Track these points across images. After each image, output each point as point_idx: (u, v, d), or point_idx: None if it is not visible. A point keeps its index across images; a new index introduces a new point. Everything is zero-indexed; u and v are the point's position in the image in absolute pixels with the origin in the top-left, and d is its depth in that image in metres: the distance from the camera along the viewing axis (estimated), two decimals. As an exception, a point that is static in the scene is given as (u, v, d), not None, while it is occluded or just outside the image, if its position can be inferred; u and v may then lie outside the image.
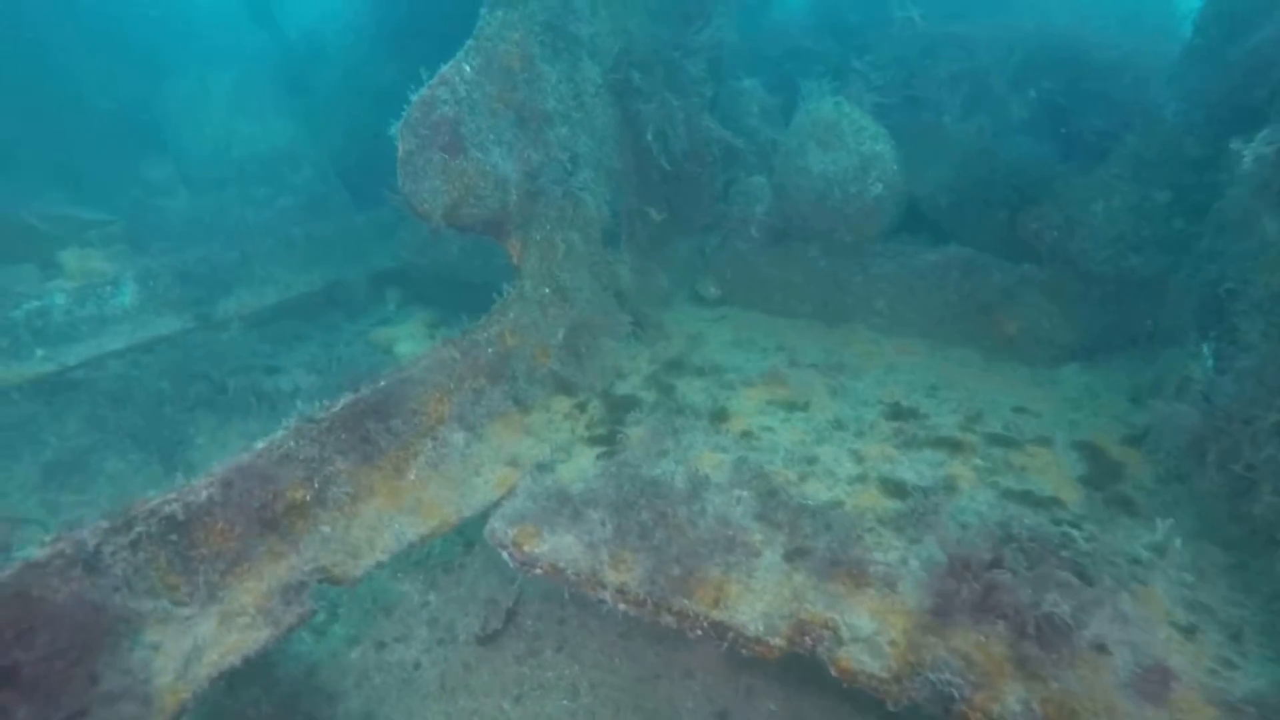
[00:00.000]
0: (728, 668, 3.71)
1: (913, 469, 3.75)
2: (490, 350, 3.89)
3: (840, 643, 2.68)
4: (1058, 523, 3.24)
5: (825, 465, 3.77)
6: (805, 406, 4.38)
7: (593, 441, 3.96)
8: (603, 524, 3.10)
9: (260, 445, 2.88)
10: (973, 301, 5.26)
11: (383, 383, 3.28)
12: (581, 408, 4.30)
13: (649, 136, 5.14)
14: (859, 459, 3.84)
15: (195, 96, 8.39)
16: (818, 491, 3.53)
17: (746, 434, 4.05)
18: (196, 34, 9.52)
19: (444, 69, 3.46)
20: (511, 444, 3.83)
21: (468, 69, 3.53)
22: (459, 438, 3.59)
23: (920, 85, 5.60)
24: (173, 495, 2.55)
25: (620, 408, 4.31)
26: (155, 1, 8.95)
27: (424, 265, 7.09)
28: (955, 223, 5.48)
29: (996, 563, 2.66)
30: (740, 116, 6.16)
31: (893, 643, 2.67)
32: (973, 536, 2.89)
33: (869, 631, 2.71)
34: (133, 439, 4.97)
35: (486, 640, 3.95)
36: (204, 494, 2.60)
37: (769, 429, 4.11)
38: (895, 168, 5.32)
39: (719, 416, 4.23)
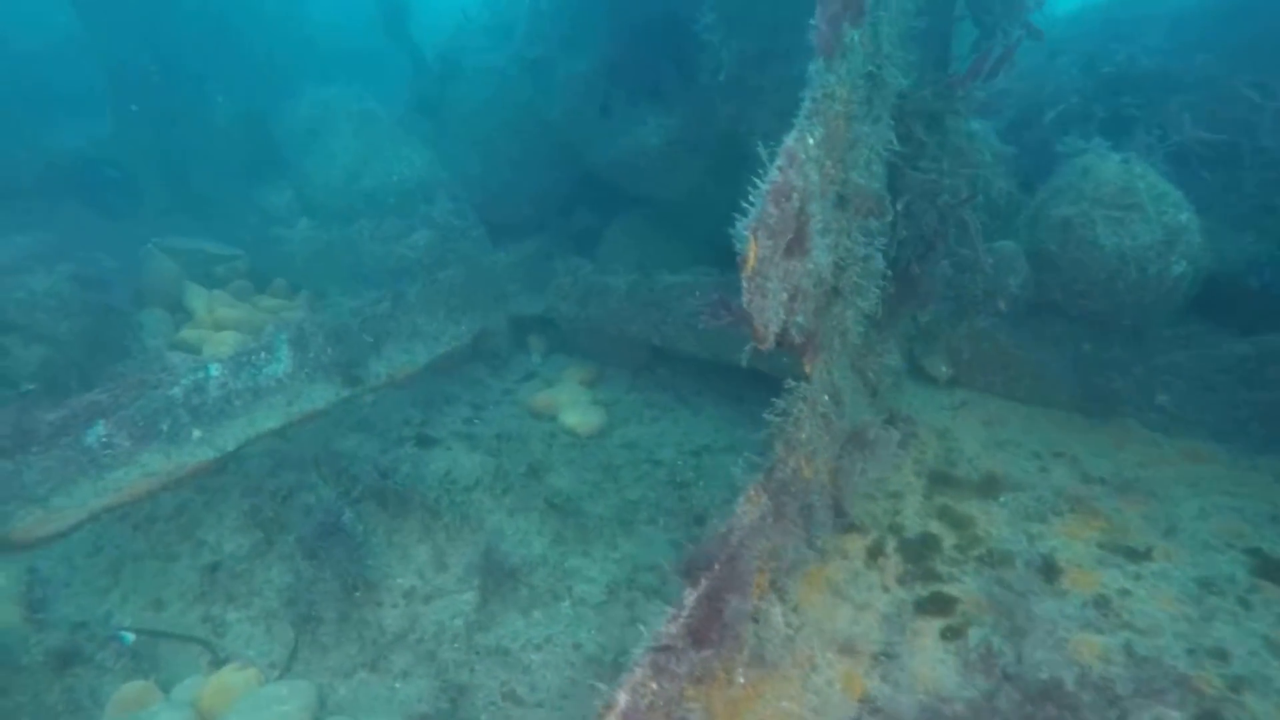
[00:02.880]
0: None
1: (1362, 675, 2.88)
2: (793, 489, 3.09)
3: None
4: None
5: (1244, 663, 2.91)
6: (1147, 553, 3.52)
7: (919, 609, 3.15)
8: (1035, 781, 2.29)
9: (622, 698, 2.09)
10: (1295, 405, 4.35)
11: (717, 566, 2.49)
12: (878, 550, 3.49)
13: (898, 207, 4.30)
14: None
15: (319, 117, 7.72)
16: (1270, 716, 2.68)
17: (1102, 600, 3.20)
18: (311, 43, 8.88)
19: (788, 142, 2.66)
20: (828, 614, 3.04)
21: (811, 142, 2.73)
22: (777, 613, 2.81)
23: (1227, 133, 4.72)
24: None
25: (921, 553, 3.49)
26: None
27: (584, 319, 6.34)
28: (1270, 307, 4.58)
29: None
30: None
31: None
32: None
33: None
34: (299, 543, 4.26)
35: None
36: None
37: (1126, 592, 3.26)
38: (1199, 240, 4.44)
39: (1050, 569, 3.39)
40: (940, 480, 4.12)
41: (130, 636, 3.98)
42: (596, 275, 6.27)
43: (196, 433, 4.40)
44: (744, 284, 2.50)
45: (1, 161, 7.12)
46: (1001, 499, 3.95)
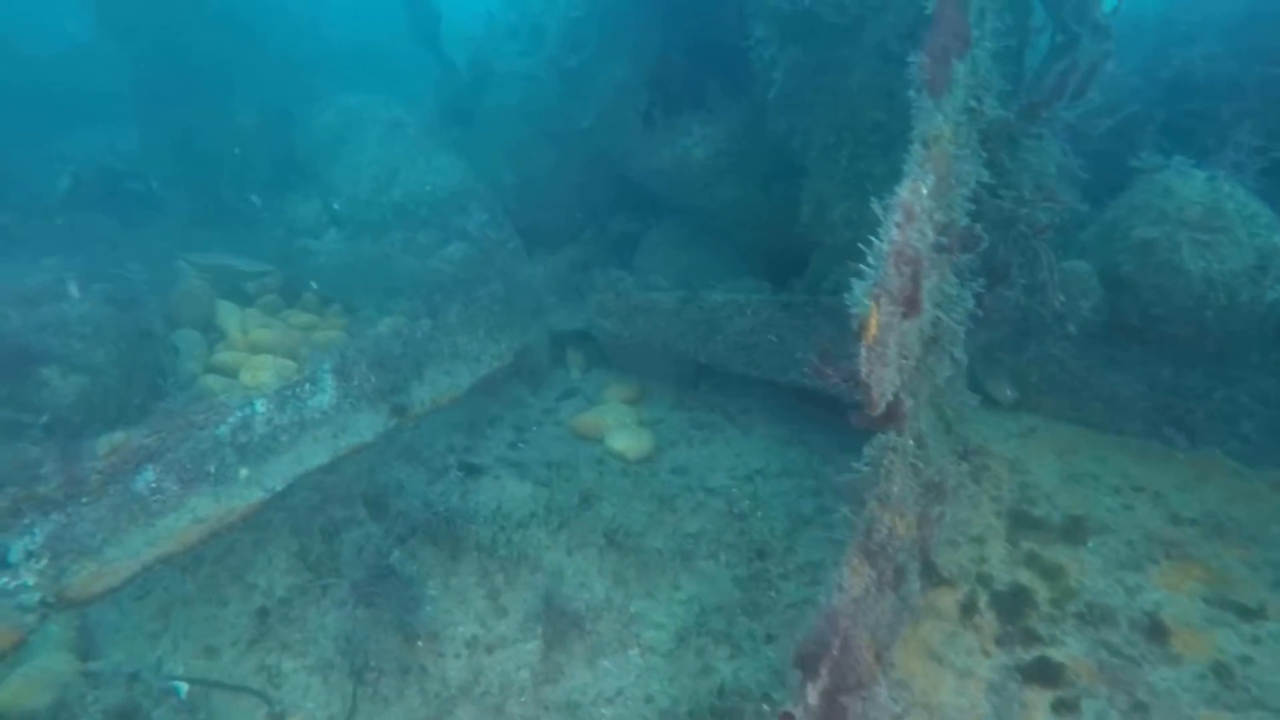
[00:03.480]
0: None
1: None
2: (890, 550, 2.92)
3: None
4: None
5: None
6: (1261, 611, 3.34)
7: (1026, 677, 2.99)
8: None
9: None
10: (1393, 436, 4.16)
11: (834, 651, 2.33)
12: (971, 606, 3.32)
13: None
14: None
15: (345, 125, 7.52)
16: None
17: (1222, 669, 3.03)
18: (332, 45, 8.64)
19: (903, 195, 2.46)
20: (932, 685, 2.88)
21: (925, 192, 2.53)
22: (883, 690, 2.64)
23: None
24: None
25: (1016, 609, 3.33)
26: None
27: (628, 336, 6.15)
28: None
29: None
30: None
31: None
32: None
33: None
34: (353, 588, 4.12)
35: None
36: None
37: (1247, 659, 3.08)
38: (1293, 264, 4.22)
39: (1157, 629, 3.22)
40: (1021, 521, 3.94)
41: (184, 688, 3.86)
42: (641, 293, 6.08)
43: (244, 472, 4.25)
44: (863, 353, 2.32)
45: (26, 177, 6.95)
46: (1090, 544, 3.77)
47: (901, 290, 2.38)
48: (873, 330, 2.28)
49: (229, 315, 6.39)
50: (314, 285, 7.21)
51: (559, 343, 6.87)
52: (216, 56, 7.05)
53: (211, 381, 5.64)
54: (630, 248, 7.53)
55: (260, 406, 4.43)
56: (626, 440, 5.62)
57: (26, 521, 3.41)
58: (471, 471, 5.27)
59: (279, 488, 4.28)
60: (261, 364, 5.63)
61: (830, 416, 6.14)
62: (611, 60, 6.14)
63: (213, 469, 4.12)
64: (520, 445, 5.73)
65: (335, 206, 7.26)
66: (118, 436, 4.93)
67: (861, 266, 2.36)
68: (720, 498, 5.11)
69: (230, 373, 5.77)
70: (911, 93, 2.70)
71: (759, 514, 4.96)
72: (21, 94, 8.64)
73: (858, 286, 2.32)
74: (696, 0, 5.65)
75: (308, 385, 4.70)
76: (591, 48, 6.16)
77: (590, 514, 4.79)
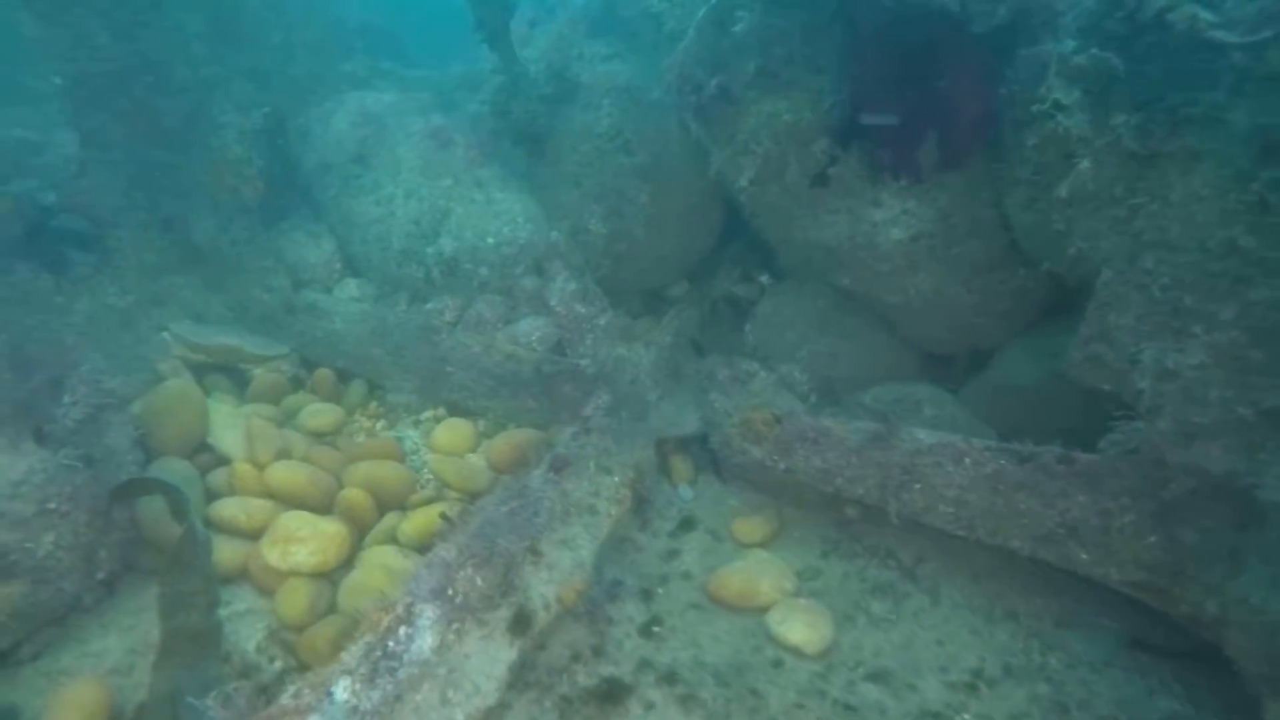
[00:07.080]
0: None
1: None
2: None
3: None
4: None
5: None
6: None
7: None
8: None
9: None
10: None
11: None
12: None
13: None
14: None
15: (368, 140, 5.60)
16: None
17: None
18: (340, 25, 6.54)
19: None
20: None
21: None
22: None
23: None
24: None
25: None
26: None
27: (783, 469, 4.65)
28: None
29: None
30: None
31: None
32: None
33: None
34: None
35: None
36: None
37: None
38: None
39: None
40: None
41: None
42: (812, 418, 4.57)
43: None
44: None
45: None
46: None
47: None
48: None
49: (226, 427, 4.56)
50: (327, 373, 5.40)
51: (663, 449, 5.33)
52: (191, 50, 4.97)
53: (217, 552, 3.89)
54: (738, 314, 5.98)
55: (341, 692, 2.79)
56: (801, 629, 4.17)
57: None
58: (613, 698, 3.76)
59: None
60: (292, 532, 3.89)
61: (1032, 572, 4.83)
62: (775, 89, 4.47)
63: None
64: (657, 629, 4.23)
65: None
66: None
67: None
68: (951, 730, 3.77)
69: (241, 534, 4.03)
70: None
71: (1016, 762, 3.66)
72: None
73: None
74: (910, 30, 4.02)
75: (402, 631, 3.06)
76: (749, 71, 4.46)
77: (818, 801, 3.37)
